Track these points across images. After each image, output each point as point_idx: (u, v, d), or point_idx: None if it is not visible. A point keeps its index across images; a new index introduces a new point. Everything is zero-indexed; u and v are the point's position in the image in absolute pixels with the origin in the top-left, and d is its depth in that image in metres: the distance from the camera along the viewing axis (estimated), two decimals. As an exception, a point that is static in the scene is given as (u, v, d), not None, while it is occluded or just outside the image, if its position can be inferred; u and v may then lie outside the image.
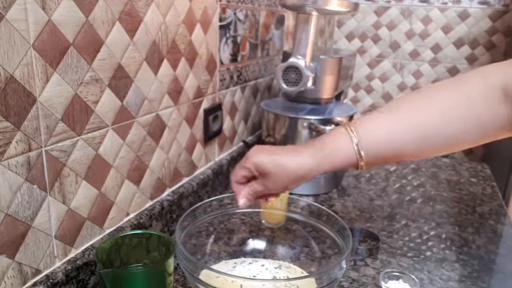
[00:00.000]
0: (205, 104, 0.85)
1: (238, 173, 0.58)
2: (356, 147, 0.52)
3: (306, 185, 0.97)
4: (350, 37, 1.76)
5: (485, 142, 0.52)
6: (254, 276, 0.59)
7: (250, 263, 0.64)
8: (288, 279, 0.59)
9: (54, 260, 0.53)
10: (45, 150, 0.49)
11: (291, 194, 0.69)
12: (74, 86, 0.51)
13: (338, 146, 0.53)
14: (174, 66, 0.72)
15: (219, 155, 0.96)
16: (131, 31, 0.60)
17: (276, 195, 0.60)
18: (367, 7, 1.69)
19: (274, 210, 0.71)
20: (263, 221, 0.72)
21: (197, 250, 0.64)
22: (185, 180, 0.83)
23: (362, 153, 0.52)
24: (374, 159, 0.53)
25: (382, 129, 0.53)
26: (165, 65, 0.70)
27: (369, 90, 1.79)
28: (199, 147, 0.86)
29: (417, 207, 0.93)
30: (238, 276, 0.55)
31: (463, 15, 1.58)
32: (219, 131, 0.93)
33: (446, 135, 0.51)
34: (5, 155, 0.44)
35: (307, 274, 0.62)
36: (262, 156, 0.56)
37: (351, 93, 1.80)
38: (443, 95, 0.52)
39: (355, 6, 0.90)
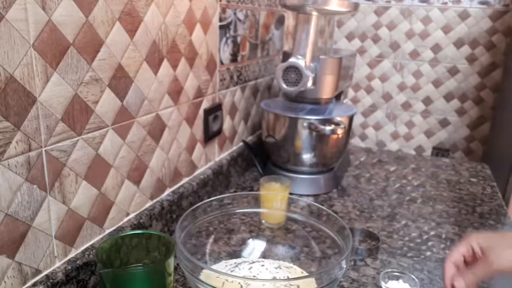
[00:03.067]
0: (205, 104, 0.85)
1: (457, 250, 0.57)
2: None
3: (306, 185, 0.97)
4: (350, 37, 1.76)
5: None
6: (254, 276, 0.59)
7: (250, 262, 0.64)
8: (288, 279, 0.59)
9: (54, 260, 0.53)
10: (45, 150, 0.49)
11: (290, 194, 0.69)
12: (74, 86, 0.51)
13: None
14: (174, 66, 0.72)
15: (219, 155, 0.96)
16: (131, 31, 0.60)
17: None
18: (367, 7, 1.69)
19: (274, 210, 0.71)
20: (263, 221, 0.73)
21: (197, 250, 0.64)
22: (185, 180, 0.83)
23: None
24: None
25: None
26: (165, 65, 0.70)
27: (369, 90, 1.79)
28: (199, 147, 0.86)
29: (417, 207, 0.93)
30: (238, 276, 0.55)
31: (463, 15, 1.58)
32: (219, 131, 0.93)
33: None
34: (5, 155, 0.44)
35: (307, 274, 0.62)
36: (483, 235, 0.56)
37: (351, 93, 1.80)
38: None
39: (355, 6, 0.90)
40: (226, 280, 0.52)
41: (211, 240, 0.67)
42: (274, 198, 0.71)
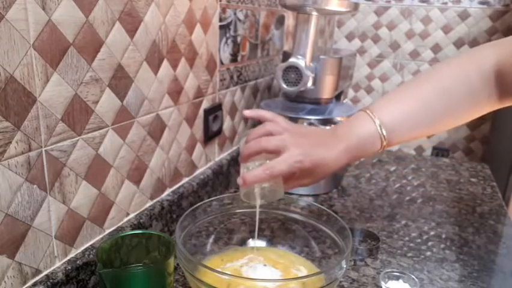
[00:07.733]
0: (205, 104, 0.85)
1: (284, 164, 0.55)
2: (379, 129, 0.57)
3: (306, 185, 0.97)
4: (350, 37, 1.76)
5: (477, 116, 0.60)
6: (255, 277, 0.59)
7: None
8: (290, 279, 0.59)
9: (54, 260, 0.53)
10: (45, 150, 0.49)
11: (290, 193, 0.69)
12: (74, 86, 0.51)
13: (364, 132, 0.58)
14: (174, 66, 0.72)
15: (219, 155, 0.96)
16: (131, 31, 0.60)
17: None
18: (367, 7, 1.69)
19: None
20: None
21: (197, 250, 0.64)
22: (185, 180, 0.83)
23: (385, 132, 0.57)
24: (394, 138, 0.59)
25: (398, 110, 0.59)
26: (165, 65, 0.70)
27: (369, 90, 1.79)
28: (199, 147, 0.86)
29: (417, 207, 0.93)
30: (239, 276, 0.55)
31: (463, 15, 1.58)
32: (219, 131, 0.93)
33: (448, 111, 0.59)
34: (5, 155, 0.44)
35: (307, 274, 0.62)
36: (302, 157, 0.56)
37: (351, 93, 1.80)
38: (445, 78, 0.59)
39: (355, 6, 0.90)
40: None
41: (211, 240, 0.67)
42: None
